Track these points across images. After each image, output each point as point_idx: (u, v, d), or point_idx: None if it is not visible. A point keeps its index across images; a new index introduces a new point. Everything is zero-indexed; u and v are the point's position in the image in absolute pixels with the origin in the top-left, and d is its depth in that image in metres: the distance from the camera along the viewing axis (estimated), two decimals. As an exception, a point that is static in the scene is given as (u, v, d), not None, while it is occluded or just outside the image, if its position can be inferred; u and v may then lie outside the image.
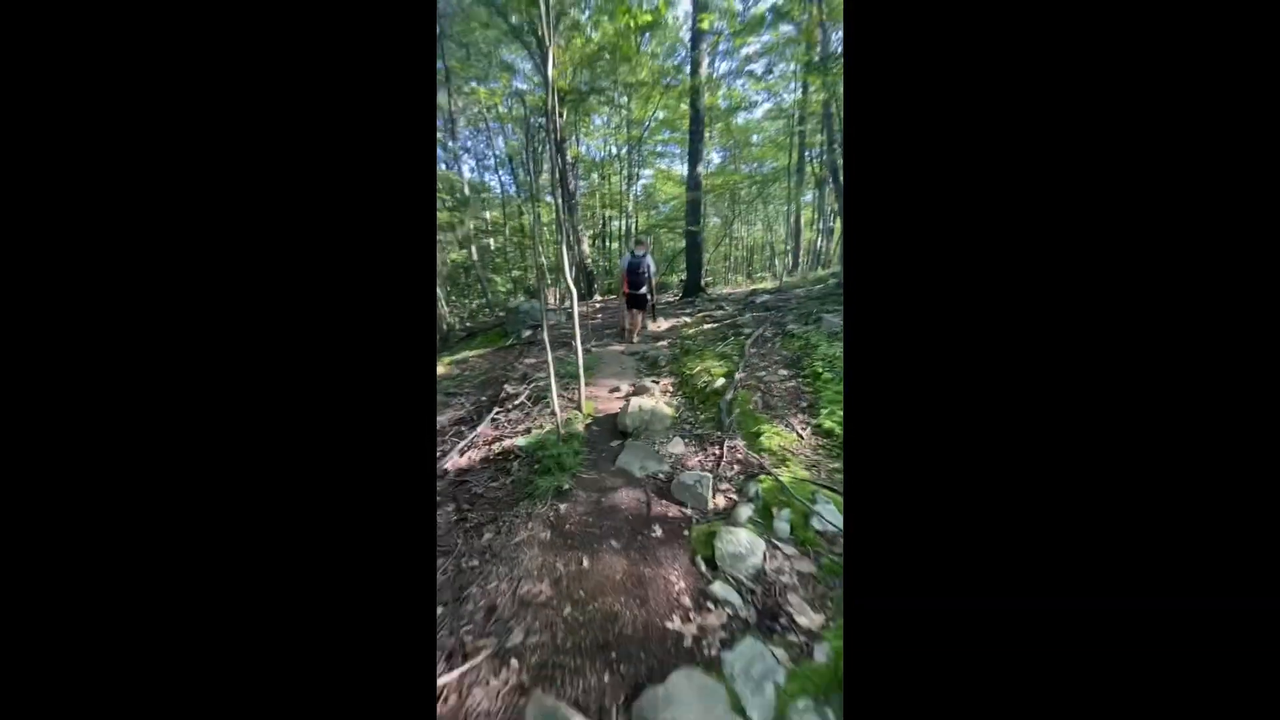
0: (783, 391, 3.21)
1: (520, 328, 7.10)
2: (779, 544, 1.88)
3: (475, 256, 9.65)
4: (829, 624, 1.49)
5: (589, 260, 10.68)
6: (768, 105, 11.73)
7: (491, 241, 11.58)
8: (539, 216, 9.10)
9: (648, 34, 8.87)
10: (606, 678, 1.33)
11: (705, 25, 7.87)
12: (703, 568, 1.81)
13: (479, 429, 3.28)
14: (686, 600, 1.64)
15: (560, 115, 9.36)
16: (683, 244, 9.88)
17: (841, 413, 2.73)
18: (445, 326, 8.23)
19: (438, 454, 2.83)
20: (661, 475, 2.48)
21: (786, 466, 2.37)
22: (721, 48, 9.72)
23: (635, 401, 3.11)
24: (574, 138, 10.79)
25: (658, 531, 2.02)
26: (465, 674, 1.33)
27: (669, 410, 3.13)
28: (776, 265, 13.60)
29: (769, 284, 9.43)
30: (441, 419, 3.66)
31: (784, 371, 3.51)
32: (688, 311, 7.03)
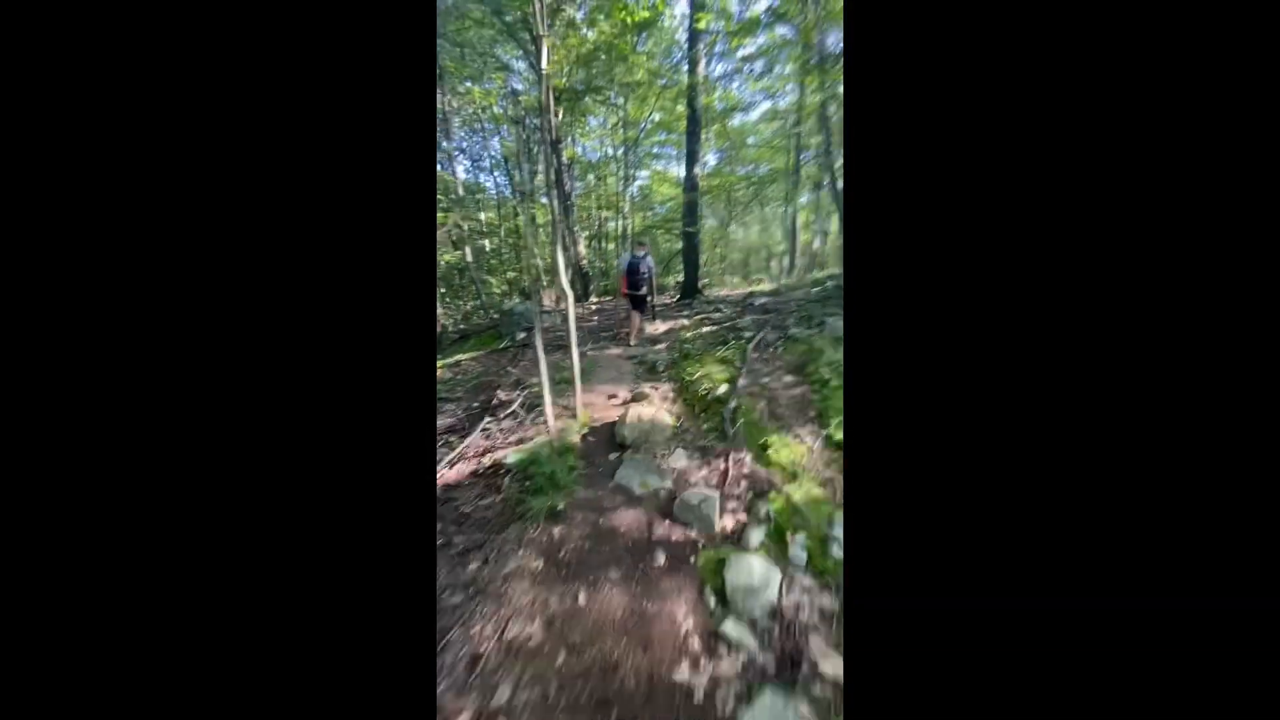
0: (789, 400, 3.02)
1: (515, 330, 6.88)
2: (796, 574, 1.68)
3: (469, 258, 9.42)
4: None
5: (585, 262, 10.48)
6: (764, 107, 11.60)
7: (487, 243, 11.34)
8: (534, 218, 8.88)
9: (644, 34, 8.69)
10: (606, 747, 1.13)
11: (702, 25, 7.69)
12: (712, 602, 1.61)
13: (469, 439, 3.06)
14: (695, 643, 1.44)
15: (556, 114, 9.15)
16: (679, 245, 9.69)
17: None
18: (439, 328, 8.00)
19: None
20: (663, 493, 2.28)
21: (798, 483, 2.18)
22: (718, 49, 9.56)
23: (634, 410, 2.91)
24: (570, 138, 10.58)
25: (661, 559, 1.82)
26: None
27: (669, 419, 2.93)
28: (773, 267, 13.46)
29: (766, 286, 9.26)
30: (430, 428, 3.43)
31: (789, 378, 3.32)
32: (685, 314, 6.84)
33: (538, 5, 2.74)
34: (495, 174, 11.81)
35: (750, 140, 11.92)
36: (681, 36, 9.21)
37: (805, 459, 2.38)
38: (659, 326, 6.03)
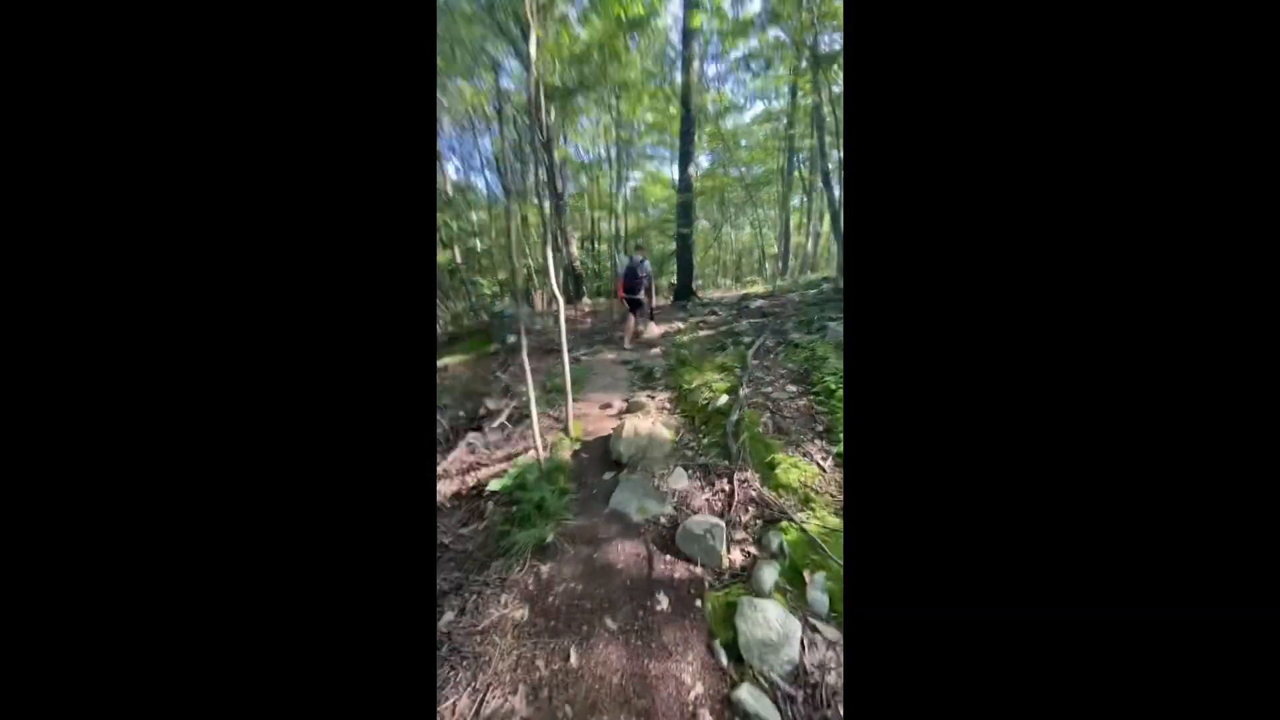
0: (794, 411, 2.80)
1: (505, 333, 6.60)
2: (818, 624, 1.45)
3: (459, 258, 9.11)
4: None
5: (578, 263, 10.21)
6: (757, 109, 11.42)
7: (478, 243, 11.02)
8: (525, 218, 8.60)
9: (636, 35, 8.45)
10: None
11: (697, 24, 7.46)
12: (723, 659, 1.38)
13: (452, 455, 2.80)
14: (707, 716, 1.20)
15: (548, 113, 8.88)
16: (672, 247, 9.46)
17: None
18: (428, 331, 7.67)
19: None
20: (664, 520, 2.04)
21: (811, 510, 1.95)
22: (711, 49, 9.36)
23: (630, 424, 2.66)
24: (562, 138, 10.32)
25: (663, 602, 1.58)
26: None
27: (667, 434, 2.69)
28: (767, 269, 13.29)
29: (760, 288, 9.06)
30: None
31: (792, 387, 3.10)
32: (680, 316, 6.61)
33: (529, 2, 2.50)
34: (486, 173, 11.49)
35: (743, 143, 11.74)
36: (675, 37, 8.98)
37: (816, 480, 2.15)
38: (654, 330, 5.79)
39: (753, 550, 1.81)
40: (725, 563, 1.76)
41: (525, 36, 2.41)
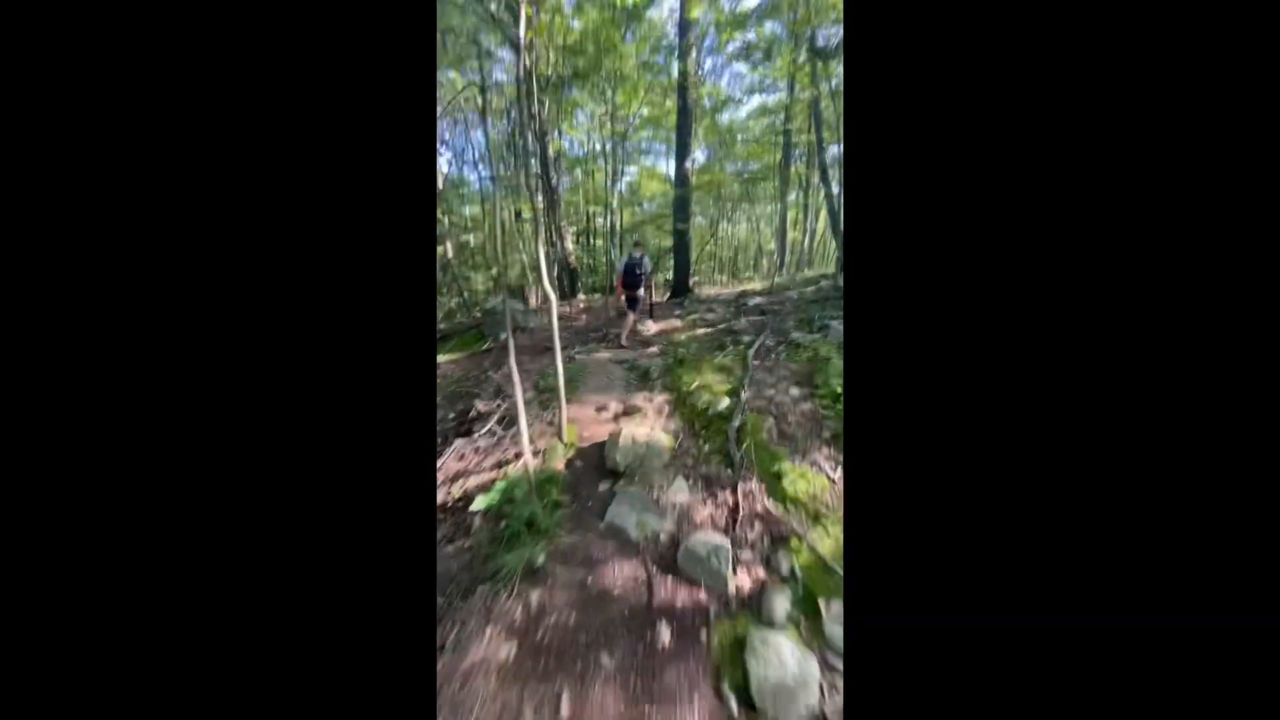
0: (799, 416, 2.64)
1: (498, 330, 6.40)
2: (838, 664, 1.30)
3: (450, 254, 8.86)
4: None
5: (573, 258, 9.99)
6: (753, 105, 11.21)
7: (471, 238, 10.75)
8: (519, 213, 8.37)
9: (631, 28, 8.20)
10: None
11: (694, 14, 7.22)
12: (733, 705, 1.22)
13: (439, 462, 2.62)
14: (717, 779, 1.04)
15: (541, 106, 8.62)
16: (668, 243, 9.27)
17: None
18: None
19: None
20: (664, 537, 1.87)
21: (823, 526, 1.80)
22: (708, 42, 9.12)
23: (626, 430, 2.49)
24: (557, 131, 10.05)
25: (665, 635, 1.42)
26: None
27: (666, 440, 2.53)
28: (764, 265, 13.13)
29: (757, 284, 8.91)
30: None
31: (796, 390, 2.94)
32: (677, 313, 6.43)
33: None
34: (480, 167, 11.21)
35: (740, 138, 11.53)
36: (671, 29, 8.73)
37: (826, 493, 2.00)
38: (651, 327, 5.61)
39: (761, 573, 1.65)
40: (731, 587, 1.60)
41: (515, 22, 2.21)
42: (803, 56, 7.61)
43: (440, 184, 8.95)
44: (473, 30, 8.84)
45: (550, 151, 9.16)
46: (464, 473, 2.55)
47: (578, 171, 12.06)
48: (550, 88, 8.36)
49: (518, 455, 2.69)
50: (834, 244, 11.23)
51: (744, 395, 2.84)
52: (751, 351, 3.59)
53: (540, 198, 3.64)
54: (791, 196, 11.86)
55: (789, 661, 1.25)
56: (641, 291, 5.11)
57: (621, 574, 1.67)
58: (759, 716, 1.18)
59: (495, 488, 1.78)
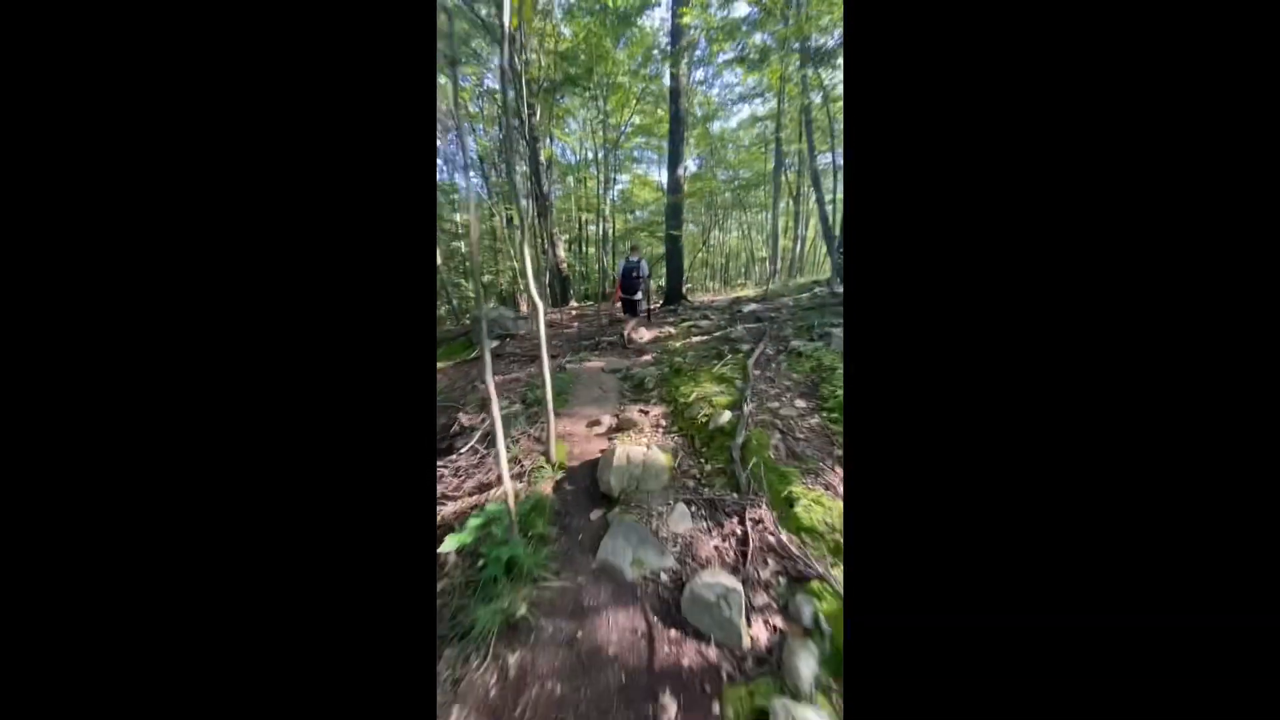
0: (807, 431, 2.40)
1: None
2: (884, 751, 1.04)
3: (440, 260, 8.58)
4: None
5: (564, 265, 9.75)
6: (743, 114, 11.13)
7: (462, 245, 10.46)
8: (511, 219, 8.12)
9: (623, 37, 8.05)
10: None
11: (686, 19, 7.07)
12: (759, 811, 0.96)
13: (414, 486, 2.33)
14: None
15: (532, 112, 8.41)
16: (660, 249, 9.07)
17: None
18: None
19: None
20: (665, 576, 1.61)
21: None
22: (699, 52, 8.99)
23: (621, 449, 2.23)
24: (548, 139, 9.85)
25: (670, 709, 1.16)
26: None
27: (664, 459, 2.27)
28: (756, 272, 12.99)
29: (750, 291, 8.73)
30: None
31: (801, 402, 2.71)
32: (671, 320, 6.20)
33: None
34: (470, 174, 10.94)
35: (729, 147, 11.44)
36: (663, 39, 8.59)
37: (844, 521, 1.75)
38: (644, 334, 5.37)
39: (779, 622, 1.40)
40: (746, 640, 1.34)
41: (501, 26, 1.98)
42: (793, 66, 7.51)
43: (429, 190, 8.69)
44: (463, 36, 8.63)
45: (541, 158, 8.95)
46: (442, 497, 2.27)
47: (570, 179, 11.85)
48: (541, 94, 8.16)
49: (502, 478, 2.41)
50: (824, 251, 11.13)
51: (746, 408, 2.60)
52: (751, 361, 3.35)
53: (526, 201, 3.39)
54: (781, 204, 11.76)
55: (825, 750, 1.00)
56: (640, 295, 5.07)
57: (617, 626, 1.40)
58: (792, 830, 0.92)
59: (469, 525, 1.51)
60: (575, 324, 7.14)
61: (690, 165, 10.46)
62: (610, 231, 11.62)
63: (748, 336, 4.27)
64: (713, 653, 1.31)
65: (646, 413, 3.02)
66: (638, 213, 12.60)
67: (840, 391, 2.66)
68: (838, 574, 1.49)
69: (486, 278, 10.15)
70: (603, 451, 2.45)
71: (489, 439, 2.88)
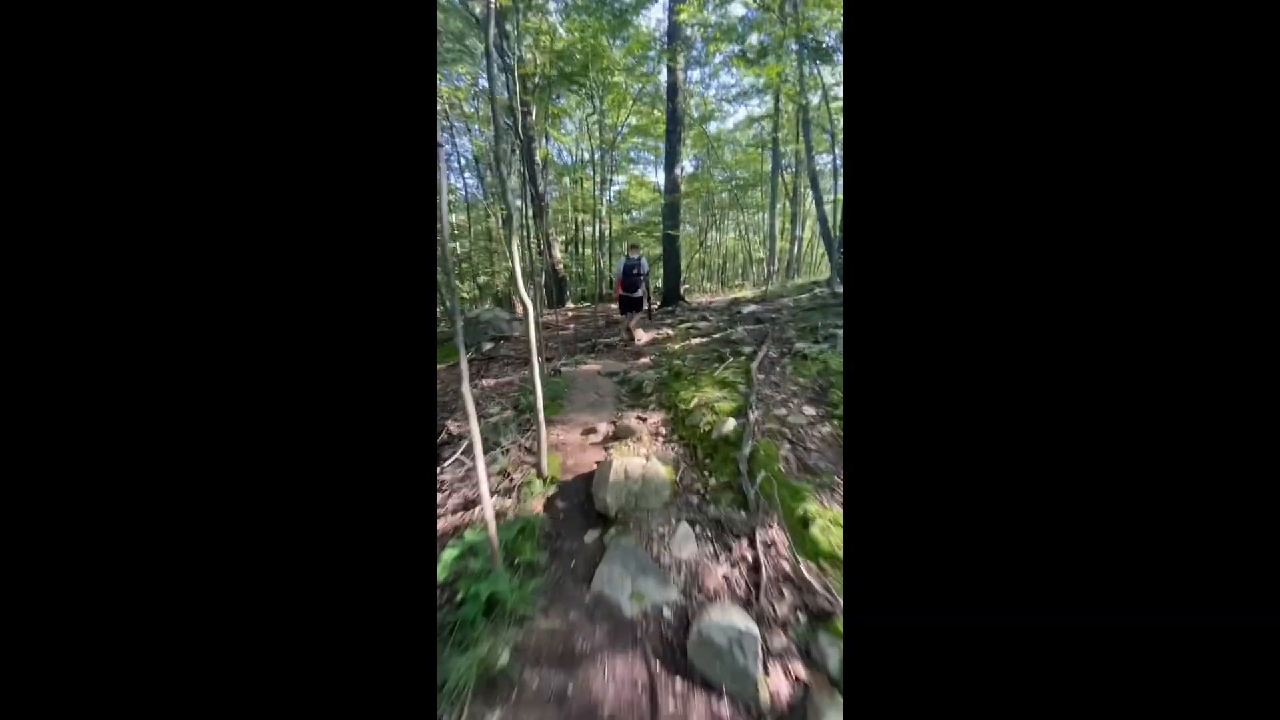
0: (818, 442, 2.21)
1: (480, 339, 5.91)
2: None
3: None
4: None
5: (561, 266, 9.54)
6: (739, 115, 10.96)
7: (457, 246, 10.23)
8: (508, 218, 7.91)
9: (621, 37, 7.86)
10: None
11: (683, 16, 6.89)
12: None
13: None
14: None
15: (528, 112, 8.20)
16: (657, 250, 8.88)
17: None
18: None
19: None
20: (668, 612, 1.41)
21: (874, 597, 1.35)
22: (695, 53, 8.81)
23: (618, 463, 2.03)
24: (544, 139, 9.64)
25: (678, 788, 0.95)
26: None
27: (665, 472, 2.07)
28: (753, 273, 12.82)
29: (749, 292, 8.54)
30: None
31: (810, 409, 2.52)
32: (668, 322, 6.00)
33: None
34: (466, 174, 10.73)
35: (728, 147, 11.27)
36: (660, 38, 8.39)
37: (868, 545, 1.56)
38: (642, 336, 5.17)
39: (800, 670, 1.20)
40: (764, 694, 1.14)
41: (492, 26, 1.77)
42: (790, 66, 7.35)
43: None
44: (457, 36, 8.41)
45: (537, 158, 8.74)
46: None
47: (566, 180, 11.65)
48: (536, 92, 7.96)
49: (494, 492, 2.20)
50: (821, 251, 10.96)
51: (752, 416, 2.40)
52: (755, 365, 3.16)
53: (511, 195, 3.18)
54: (778, 205, 11.60)
55: None
56: (641, 292, 4.97)
57: (614, 677, 1.20)
58: None
59: (444, 558, 1.30)
60: (571, 325, 6.93)
61: (687, 165, 10.29)
62: (607, 232, 11.42)
63: (749, 338, 4.07)
64: (725, 710, 1.11)
65: (645, 420, 2.82)
66: (634, 213, 12.42)
67: (851, 397, 2.47)
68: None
69: (482, 279, 9.93)
70: (598, 463, 2.24)
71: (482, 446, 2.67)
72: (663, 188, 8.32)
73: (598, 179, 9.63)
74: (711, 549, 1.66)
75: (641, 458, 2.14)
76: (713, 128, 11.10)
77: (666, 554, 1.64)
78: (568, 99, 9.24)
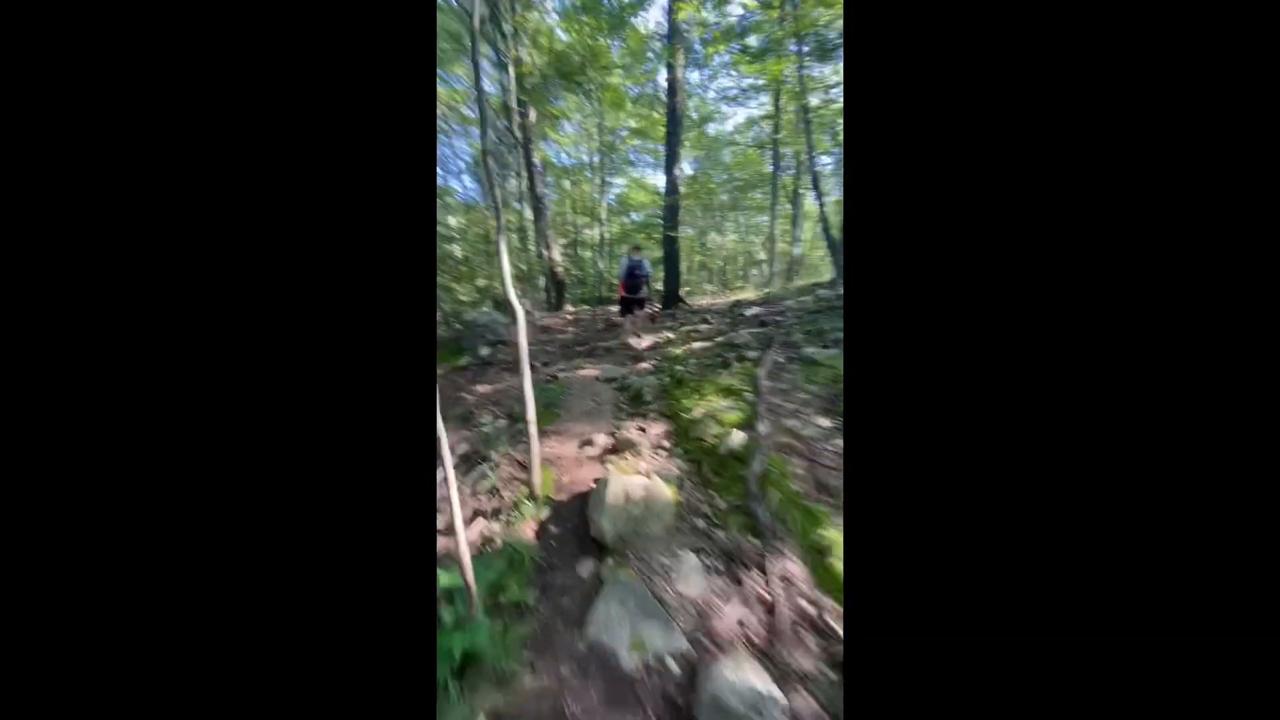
0: (834, 456, 2.01)
1: (477, 343, 5.71)
2: None
3: (432, 264, 8.18)
4: None
5: (560, 269, 9.36)
6: (739, 117, 10.80)
7: (456, 249, 10.07)
8: (506, 222, 7.74)
9: (619, 39, 7.70)
10: None
11: (682, 15, 6.71)
12: None
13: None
14: None
15: (526, 114, 8.04)
16: (658, 253, 8.70)
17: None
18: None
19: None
20: (673, 663, 1.21)
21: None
22: (694, 55, 8.63)
23: (617, 482, 1.83)
24: (544, 141, 9.47)
25: None
26: None
27: (668, 493, 1.87)
28: (753, 275, 12.64)
29: (750, 294, 8.35)
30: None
31: (824, 420, 2.32)
32: (669, 325, 5.81)
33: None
34: (464, 177, 10.57)
35: (727, 148, 11.11)
36: (658, 41, 8.23)
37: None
38: (642, 340, 4.98)
39: (832, 743, 1.00)
40: (788, 775, 0.95)
41: (493, 28, 1.58)
42: (789, 68, 7.19)
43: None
44: (456, 38, 8.25)
45: (536, 161, 8.57)
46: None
47: (565, 182, 11.48)
48: (535, 94, 7.79)
49: (480, 514, 2.01)
50: (822, 253, 10.78)
51: (761, 427, 2.20)
52: (762, 372, 2.96)
53: (498, 192, 2.99)
54: (779, 207, 11.42)
55: None
56: (644, 292, 4.93)
57: (610, 752, 1.00)
58: None
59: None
60: (570, 329, 6.74)
61: (687, 167, 10.11)
62: (607, 235, 11.24)
63: (753, 342, 3.87)
64: (744, 797, 0.91)
65: (645, 430, 2.62)
66: (634, 216, 12.25)
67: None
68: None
69: (481, 281, 9.75)
70: (595, 481, 2.05)
71: (469, 463, 2.48)
72: (662, 189, 8.13)
73: (598, 181, 9.45)
74: (721, 583, 1.46)
75: (642, 476, 1.95)
76: (712, 129, 10.94)
77: (670, 590, 1.45)
78: (566, 101, 9.07)
